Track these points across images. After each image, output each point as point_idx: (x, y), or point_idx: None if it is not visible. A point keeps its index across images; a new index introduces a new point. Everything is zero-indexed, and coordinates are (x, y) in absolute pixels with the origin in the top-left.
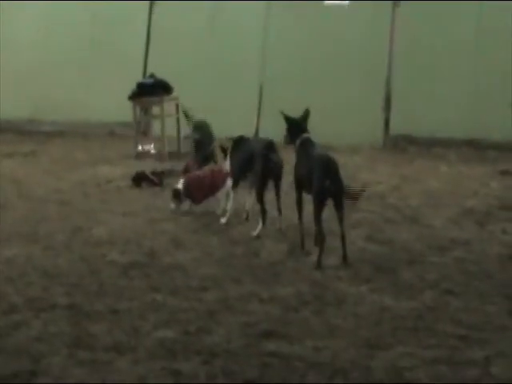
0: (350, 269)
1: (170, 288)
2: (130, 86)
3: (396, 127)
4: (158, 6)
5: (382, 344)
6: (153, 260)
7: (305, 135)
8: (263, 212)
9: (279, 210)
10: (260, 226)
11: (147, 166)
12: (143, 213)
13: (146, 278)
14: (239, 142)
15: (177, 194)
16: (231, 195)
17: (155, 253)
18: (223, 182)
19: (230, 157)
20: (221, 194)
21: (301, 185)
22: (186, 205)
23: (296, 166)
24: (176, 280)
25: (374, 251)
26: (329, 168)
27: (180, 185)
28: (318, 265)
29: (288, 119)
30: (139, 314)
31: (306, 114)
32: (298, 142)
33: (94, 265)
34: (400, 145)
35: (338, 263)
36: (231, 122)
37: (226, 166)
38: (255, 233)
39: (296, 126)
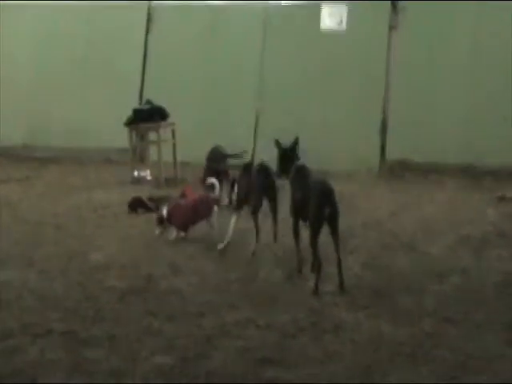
0: (347, 295)
1: (167, 313)
2: (127, 112)
3: (392, 153)
4: (154, 28)
5: (380, 371)
6: (150, 285)
7: (299, 162)
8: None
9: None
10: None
11: (143, 192)
12: (140, 238)
13: (143, 304)
14: (247, 167)
15: (160, 221)
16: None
17: (152, 278)
18: (208, 210)
19: (238, 182)
20: (211, 221)
21: (297, 211)
22: (173, 232)
23: (292, 193)
24: (173, 305)
25: (371, 278)
26: (324, 194)
27: (164, 211)
28: (315, 291)
29: (280, 148)
30: (136, 339)
31: (296, 142)
32: (293, 169)
33: (91, 290)
34: (396, 171)
35: (334, 289)
36: (227, 144)
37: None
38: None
39: (289, 154)
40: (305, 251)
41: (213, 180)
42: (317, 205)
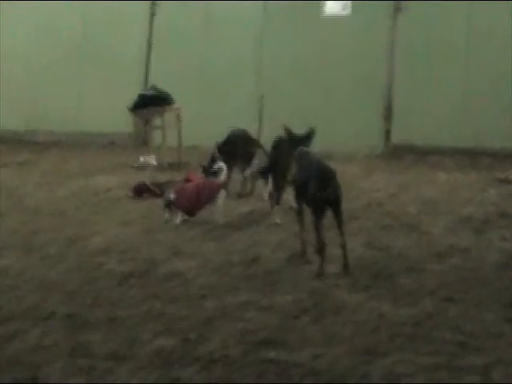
0: (348, 277)
1: (169, 296)
2: (131, 96)
3: (395, 135)
4: (158, 13)
5: (380, 351)
6: (151, 269)
7: (303, 148)
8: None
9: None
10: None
11: (147, 177)
12: (140, 222)
13: (144, 287)
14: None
15: (168, 204)
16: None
17: (153, 262)
18: (214, 194)
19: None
20: (217, 205)
21: (300, 195)
22: (178, 216)
23: (295, 177)
24: (174, 289)
25: (373, 259)
26: (325, 177)
27: (172, 195)
28: (320, 273)
29: (290, 134)
30: (137, 322)
31: (310, 134)
32: (296, 153)
33: (91, 274)
34: (397, 153)
35: (336, 271)
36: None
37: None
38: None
39: (297, 141)
40: (308, 234)
41: (221, 164)
42: (317, 188)
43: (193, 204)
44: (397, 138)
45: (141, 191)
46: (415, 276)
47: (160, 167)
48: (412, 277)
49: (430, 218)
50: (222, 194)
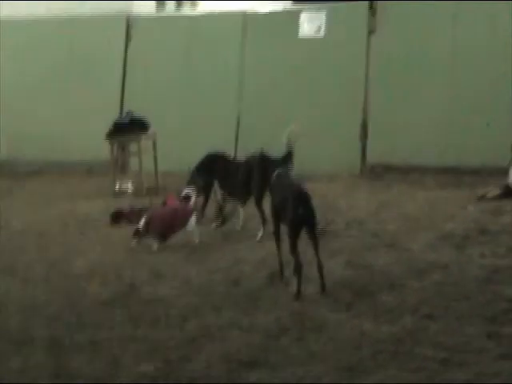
0: (329, 295)
1: (151, 319)
2: (108, 124)
3: (372, 155)
4: (133, 39)
5: (363, 368)
6: (132, 292)
7: (281, 169)
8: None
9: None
10: None
11: (125, 203)
12: (122, 246)
13: (126, 309)
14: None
15: (137, 233)
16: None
17: (135, 284)
18: (185, 219)
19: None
20: (191, 227)
21: (278, 216)
22: (155, 243)
23: (272, 198)
24: (156, 310)
25: (353, 277)
26: (300, 197)
27: (140, 222)
28: (298, 294)
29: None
30: (119, 345)
31: (289, 157)
32: (274, 175)
33: (74, 297)
34: (377, 172)
35: (317, 290)
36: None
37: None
38: None
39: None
40: (286, 255)
41: (189, 191)
42: (292, 209)
43: (167, 228)
44: (375, 157)
45: (118, 218)
46: (396, 293)
47: (138, 193)
48: (393, 294)
49: (411, 235)
50: (193, 218)
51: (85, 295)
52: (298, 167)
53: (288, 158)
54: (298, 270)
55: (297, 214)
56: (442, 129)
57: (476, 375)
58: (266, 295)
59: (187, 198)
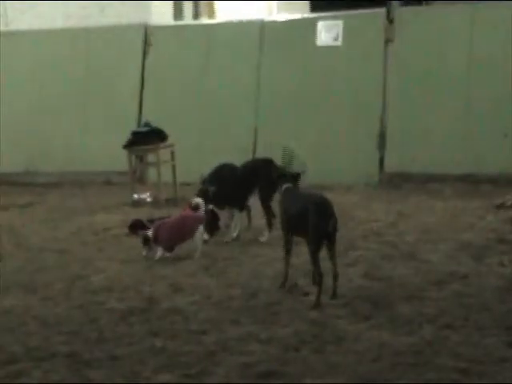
0: (348, 306)
1: (170, 332)
2: (126, 134)
3: (390, 164)
4: (151, 50)
5: (382, 380)
6: (152, 305)
7: (287, 184)
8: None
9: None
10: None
11: (144, 214)
12: (140, 259)
13: (146, 324)
14: None
15: (146, 241)
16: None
17: (154, 298)
18: (194, 228)
19: None
20: (196, 240)
21: (291, 228)
22: (159, 252)
23: (284, 211)
24: (175, 324)
25: (372, 288)
26: (325, 209)
27: (150, 232)
28: (317, 304)
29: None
30: (139, 359)
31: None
32: (283, 187)
33: (93, 312)
34: (395, 182)
35: (336, 302)
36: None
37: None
38: None
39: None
40: (306, 265)
41: (198, 200)
42: (318, 219)
43: (174, 238)
44: (393, 166)
45: (136, 228)
46: (415, 304)
47: (157, 204)
48: (412, 305)
49: (429, 245)
50: (201, 228)
51: (104, 310)
52: (314, 177)
53: (297, 176)
54: (320, 280)
55: (322, 226)
56: (459, 137)
57: None
58: (285, 308)
59: (196, 207)
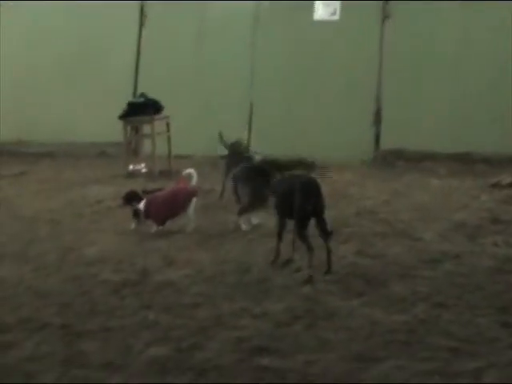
0: (340, 283)
1: (162, 306)
2: (121, 106)
3: (386, 142)
4: (147, 23)
5: (374, 357)
6: (145, 278)
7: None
8: None
9: None
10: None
11: (138, 185)
12: (134, 232)
13: (138, 297)
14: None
15: (136, 214)
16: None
17: (147, 271)
18: (186, 202)
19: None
20: (189, 213)
21: (283, 207)
22: (152, 225)
23: (276, 191)
24: (168, 298)
25: (365, 265)
26: (311, 188)
27: (141, 205)
28: (309, 279)
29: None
30: (131, 331)
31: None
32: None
33: (86, 284)
34: (389, 160)
35: (328, 278)
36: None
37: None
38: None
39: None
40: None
41: (190, 170)
42: (302, 198)
43: (167, 213)
44: (387, 144)
45: (130, 199)
46: (408, 282)
47: (151, 175)
48: (405, 283)
49: (423, 224)
50: (194, 201)
51: (97, 282)
52: (311, 154)
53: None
54: (310, 255)
55: (307, 204)
56: (454, 116)
57: (488, 365)
58: (277, 283)
59: (188, 177)
